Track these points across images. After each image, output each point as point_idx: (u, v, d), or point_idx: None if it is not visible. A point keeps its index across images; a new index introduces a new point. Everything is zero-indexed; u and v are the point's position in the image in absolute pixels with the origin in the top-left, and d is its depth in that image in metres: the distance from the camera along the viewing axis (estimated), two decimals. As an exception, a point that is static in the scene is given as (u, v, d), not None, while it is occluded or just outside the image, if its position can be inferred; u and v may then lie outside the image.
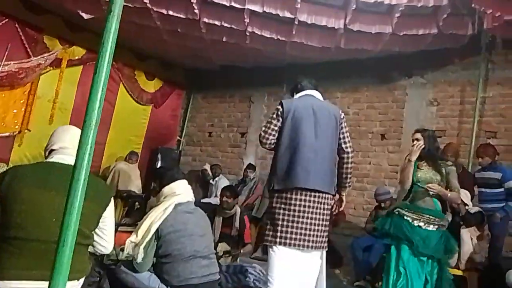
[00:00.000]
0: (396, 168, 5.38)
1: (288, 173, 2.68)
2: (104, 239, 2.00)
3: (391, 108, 5.84)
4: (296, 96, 2.93)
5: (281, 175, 2.70)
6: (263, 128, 2.81)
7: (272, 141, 2.79)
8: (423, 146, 3.15)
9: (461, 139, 5.22)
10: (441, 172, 3.16)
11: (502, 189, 4.25)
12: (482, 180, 4.37)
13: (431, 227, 3.11)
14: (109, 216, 1.99)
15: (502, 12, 4.21)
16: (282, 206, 2.67)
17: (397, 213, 3.19)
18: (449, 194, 3.12)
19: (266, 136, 2.77)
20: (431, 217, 3.12)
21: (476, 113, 5.07)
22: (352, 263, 4.78)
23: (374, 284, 4.38)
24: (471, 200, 4.26)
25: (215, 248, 3.40)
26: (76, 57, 6.21)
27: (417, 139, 3.19)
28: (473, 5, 4.15)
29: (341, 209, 2.96)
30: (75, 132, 1.94)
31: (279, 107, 2.79)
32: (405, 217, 3.13)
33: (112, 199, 2.03)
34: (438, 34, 4.71)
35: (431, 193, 3.12)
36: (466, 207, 4.13)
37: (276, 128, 2.77)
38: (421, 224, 3.10)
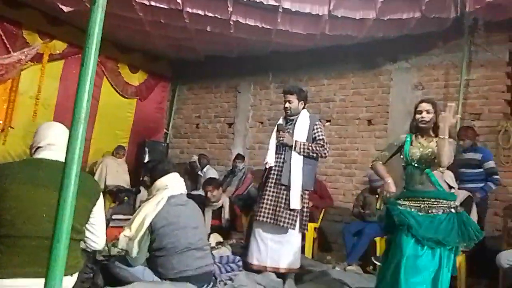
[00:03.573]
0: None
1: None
2: (96, 234, 1.99)
3: (377, 94, 5.86)
4: (305, 108, 3.86)
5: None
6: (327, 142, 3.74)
7: None
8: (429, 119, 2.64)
9: (446, 122, 5.26)
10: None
11: (481, 169, 4.43)
12: (463, 161, 4.47)
13: (435, 212, 2.54)
14: (99, 211, 1.98)
15: (484, -6, 4.25)
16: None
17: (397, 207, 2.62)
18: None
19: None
20: (432, 200, 2.57)
21: (461, 96, 5.11)
22: (343, 248, 4.84)
23: (366, 267, 4.44)
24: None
25: (208, 240, 3.41)
26: (57, 52, 6.08)
27: (428, 111, 2.64)
28: (455, -13, 4.18)
29: None
30: (60, 128, 1.96)
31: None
32: (402, 207, 2.60)
33: (101, 194, 2.03)
34: (421, 18, 4.73)
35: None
36: (452, 190, 4.18)
37: None
38: (422, 213, 2.55)
